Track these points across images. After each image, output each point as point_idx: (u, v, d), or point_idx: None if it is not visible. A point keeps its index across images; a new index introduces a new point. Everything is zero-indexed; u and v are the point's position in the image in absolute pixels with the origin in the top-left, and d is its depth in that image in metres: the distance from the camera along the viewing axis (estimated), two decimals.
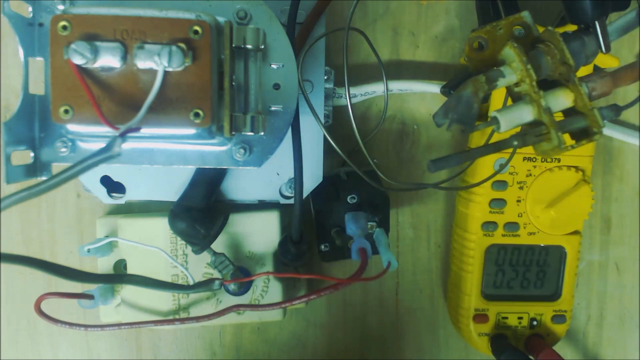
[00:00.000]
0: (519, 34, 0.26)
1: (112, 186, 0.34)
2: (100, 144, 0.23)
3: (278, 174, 0.35)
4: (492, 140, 0.32)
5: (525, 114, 0.25)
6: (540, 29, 0.27)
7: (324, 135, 0.34)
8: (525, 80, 0.25)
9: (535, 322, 0.39)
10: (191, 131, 0.25)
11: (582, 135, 0.26)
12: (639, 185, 0.43)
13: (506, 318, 0.39)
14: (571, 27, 0.30)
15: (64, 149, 0.27)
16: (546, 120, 0.24)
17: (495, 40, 0.26)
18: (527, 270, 0.39)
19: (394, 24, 0.39)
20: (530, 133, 0.25)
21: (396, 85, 0.38)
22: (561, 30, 0.33)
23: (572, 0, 0.28)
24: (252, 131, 0.27)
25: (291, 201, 0.34)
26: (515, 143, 0.25)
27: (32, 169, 0.28)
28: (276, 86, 0.28)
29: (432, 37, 0.40)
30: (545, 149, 0.25)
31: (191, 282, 0.35)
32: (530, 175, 0.37)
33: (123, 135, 0.23)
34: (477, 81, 0.25)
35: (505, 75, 0.25)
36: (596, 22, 0.28)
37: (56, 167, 0.27)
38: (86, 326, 0.35)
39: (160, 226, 0.35)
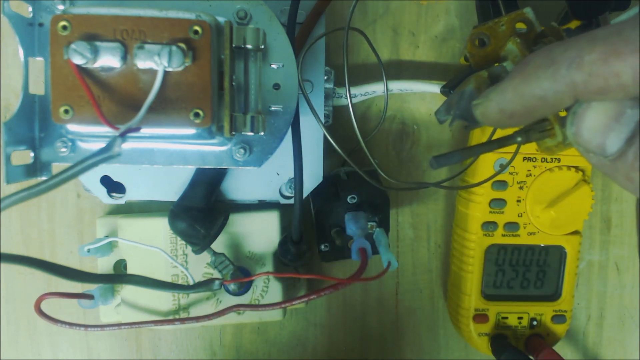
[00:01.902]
0: (521, 30, 0.26)
1: (112, 186, 0.34)
2: (100, 144, 0.23)
3: (278, 174, 0.35)
4: (495, 137, 0.32)
5: None
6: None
7: (324, 135, 0.34)
8: None
9: (535, 322, 0.39)
10: (191, 131, 0.25)
11: None
12: None
13: (506, 318, 0.39)
14: (573, 25, 0.30)
15: (64, 149, 0.27)
16: (550, 115, 0.24)
17: (497, 36, 0.26)
18: (527, 270, 0.39)
19: (394, 24, 0.39)
20: (534, 129, 0.24)
21: (396, 85, 0.38)
22: (563, 28, 0.33)
23: None
24: (252, 131, 0.27)
25: (291, 201, 0.34)
26: (519, 139, 0.25)
27: (32, 169, 0.28)
28: (276, 86, 0.28)
29: (432, 37, 0.40)
30: (549, 145, 0.24)
31: (191, 282, 0.35)
32: (530, 175, 0.37)
33: (123, 135, 0.23)
34: (480, 77, 0.24)
35: (508, 71, 0.25)
36: (599, 18, 0.28)
37: (56, 167, 0.27)
38: (86, 326, 0.35)
39: (160, 226, 0.35)
